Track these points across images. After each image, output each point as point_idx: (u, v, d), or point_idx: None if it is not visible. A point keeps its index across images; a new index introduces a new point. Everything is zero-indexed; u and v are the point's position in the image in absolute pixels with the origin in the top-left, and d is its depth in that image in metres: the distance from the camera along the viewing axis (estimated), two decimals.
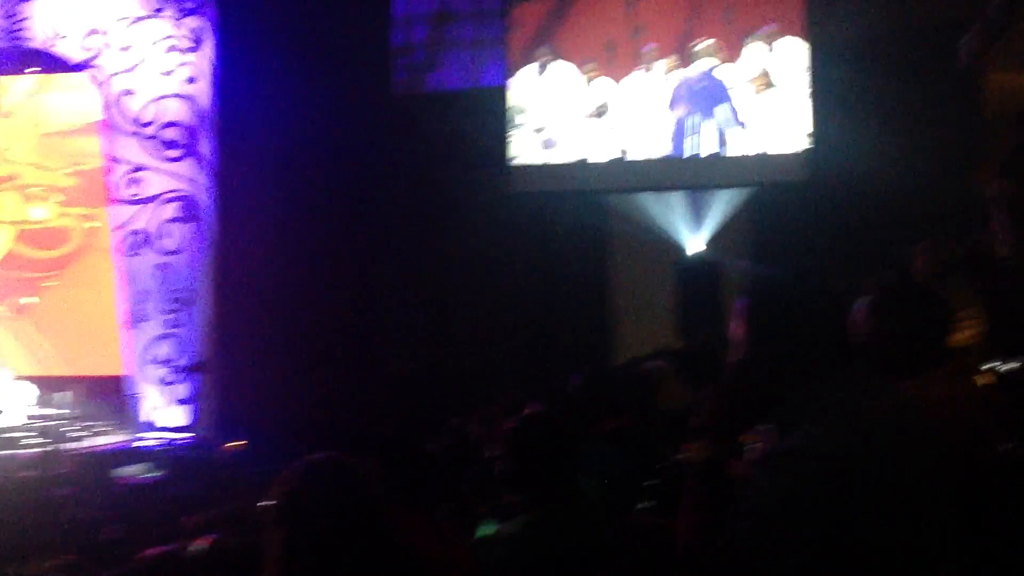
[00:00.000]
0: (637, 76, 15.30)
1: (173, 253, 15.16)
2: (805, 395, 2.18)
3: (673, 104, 15.13)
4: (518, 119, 15.64)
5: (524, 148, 15.63)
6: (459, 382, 14.71)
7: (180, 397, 15.12)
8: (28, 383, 14.86)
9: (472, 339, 15.66)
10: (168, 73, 15.24)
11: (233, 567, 4.31)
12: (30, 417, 14.25)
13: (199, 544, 4.34)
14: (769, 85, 14.72)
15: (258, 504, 6.21)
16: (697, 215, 15.53)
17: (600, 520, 3.40)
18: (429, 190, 15.94)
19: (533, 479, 3.46)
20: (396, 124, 16.12)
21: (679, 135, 15.10)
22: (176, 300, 15.14)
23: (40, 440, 13.44)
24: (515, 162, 15.56)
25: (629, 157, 15.32)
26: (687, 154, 15.09)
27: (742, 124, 14.87)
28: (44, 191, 17.30)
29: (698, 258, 15.45)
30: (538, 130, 15.57)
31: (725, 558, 2.00)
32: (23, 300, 17.24)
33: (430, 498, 3.32)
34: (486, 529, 3.85)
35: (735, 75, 14.93)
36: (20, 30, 15.79)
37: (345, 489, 2.06)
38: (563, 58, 15.57)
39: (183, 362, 15.12)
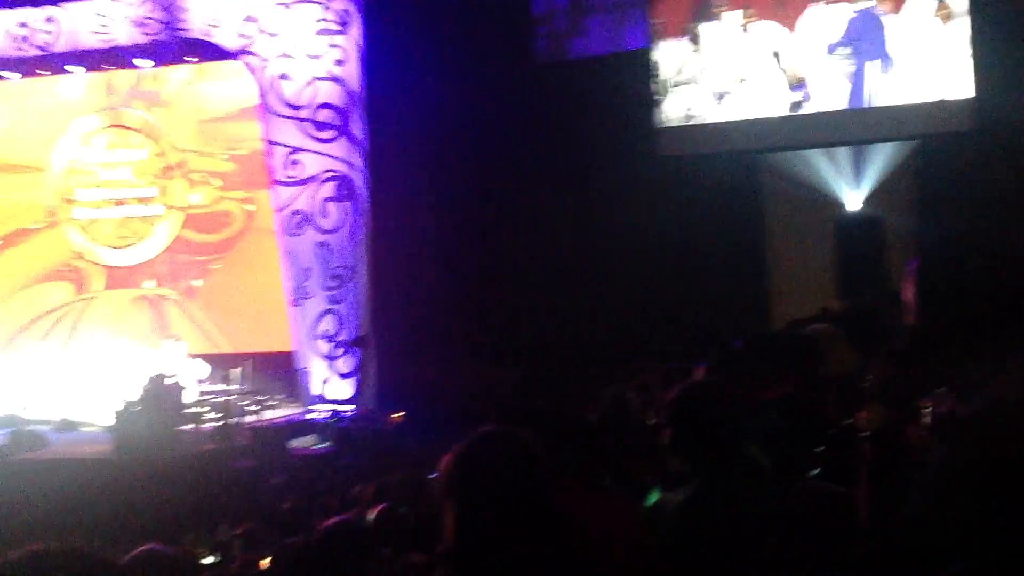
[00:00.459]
0: (803, 21, 14.62)
1: (332, 231, 15.59)
2: (983, 358, 2.08)
3: (832, 49, 14.38)
4: (666, 80, 15.32)
5: (673, 109, 15.32)
6: (611, 350, 14.66)
7: (344, 371, 15.59)
8: (201, 361, 15.58)
9: (624, 306, 15.55)
10: (319, 56, 15.61)
11: (403, 535, 4.45)
12: (205, 393, 14.94)
13: (372, 513, 4.51)
14: (950, 17, 13.70)
15: (427, 475, 6.37)
16: (856, 168, 14.90)
17: (769, 488, 3.34)
18: (577, 158, 15.88)
19: (699, 447, 3.43)
20: (541, 92, 16.08)
21: (858, 84, 14.30)
22: (336, 277, 15.58)
23: (217, 415, 14.07)
24: (663, 124, 15.28)
25: (784, 112, 14.81)
26: (855, 104, 14.38)
27: (901, 70, 14.13)
28: (205, 177, 18.06)
29: (858, 214, 14.84)
30: (689, 89, 15.21)
31: (910, 531, 1.94)
32: (192, 283, 18.09)
33: (594, 468, 3.32)
34: (653, 498, 3.84)
35: (899, 19, 14.09)
36: (177, 21, 16.40)
37: (515, 461, 2.09)
38: (728, 8, 14.94)
39: (345, 337, 15.57)
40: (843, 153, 14.96)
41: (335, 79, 15.60)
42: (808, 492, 3.13)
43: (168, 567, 2.61)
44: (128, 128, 18.32)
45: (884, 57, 14.19)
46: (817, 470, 3.57)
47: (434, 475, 2.34)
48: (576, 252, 15.93)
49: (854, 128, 14.56)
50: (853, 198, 14.92)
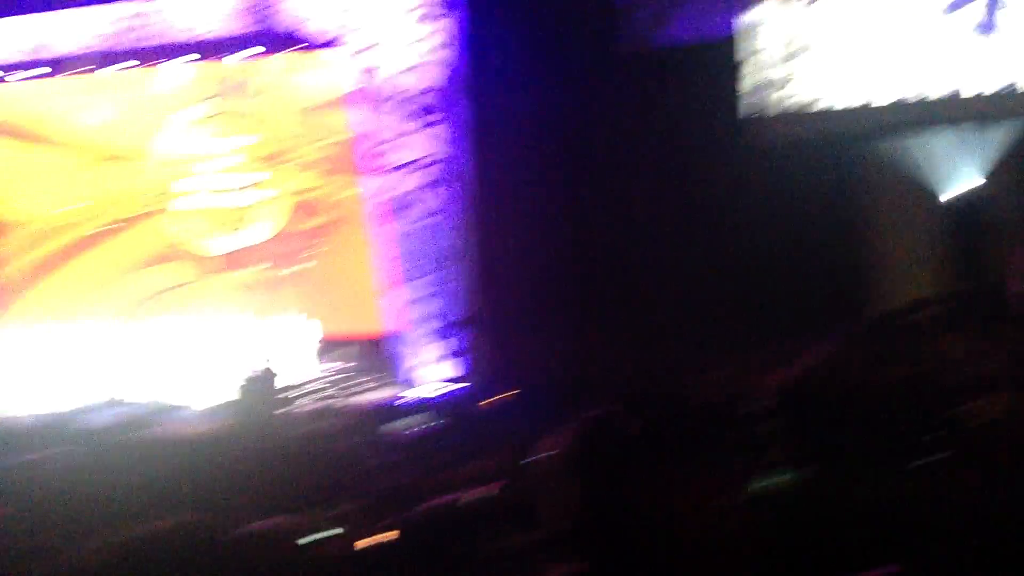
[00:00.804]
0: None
1: (432, 216, 15.73)
2: None
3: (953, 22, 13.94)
4: (755, 67, 15.07)
5: (762, 97, 15.05)
6: (713, 334, 14.49)
7: (447, 352, 15.74)
8: (308, 342, 15.92)
9: (728, 291, 15.36)
10: (418, 41, 15.72)
11: (510, 517, 4.47)
12: (312, 374, 15.26)
13: (477, 494, 4.53)
14: None
15: (533, 457, 6.38)
16: (965, 150, 14.46)
17: (880, 477, 3.27)
18: (674, 146, 15.71)
19: (808, 434, 3.37)
20: (639, 75, 15.93)
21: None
22: (438, 261, 15.72)
23: (324, 396, 14.37)
24: (754, 113, 15.03)
25: (894, 94, 14.41)
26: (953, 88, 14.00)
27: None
28: (306, 164, 18.39)
29: (966, 197, 14.40)
30: (777, 75, 14.95)
31: None
32: (295, 268, 18.47)
33: (698, 453, 3.28)
34: (760, 484, 3.78)
35: None
36: (274, 11, 16.67)
37: (624, 445, 2.08)
38: None
39: (448, 320, 15.72)
40: (948, 132, 14.51)
41: (434, 64, 15.70)
42: (920, 483, 3.05)
43: (276, 546, 2.65)
44: (229, 117, 18.74)
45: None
46: (932, 458, 3.48)
47: (538, 456, 2.34)
48: (680, 235, 15.77)
49: (964, 110, 14.14)
50: (961, 181, 14.48)
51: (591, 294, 15.81)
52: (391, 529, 5.33)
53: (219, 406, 13.51)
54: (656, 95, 15.77)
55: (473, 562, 2.53)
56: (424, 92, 15.67)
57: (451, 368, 15.71)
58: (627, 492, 1.95)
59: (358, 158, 17.79)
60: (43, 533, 9.78)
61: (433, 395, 15.04)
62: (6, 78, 19.15)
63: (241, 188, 18.60)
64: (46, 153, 19.62)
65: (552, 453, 2.22)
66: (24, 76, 19.02)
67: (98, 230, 19.35)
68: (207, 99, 18.79)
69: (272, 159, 18.42)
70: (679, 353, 13.32)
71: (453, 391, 15.27)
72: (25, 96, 19.72)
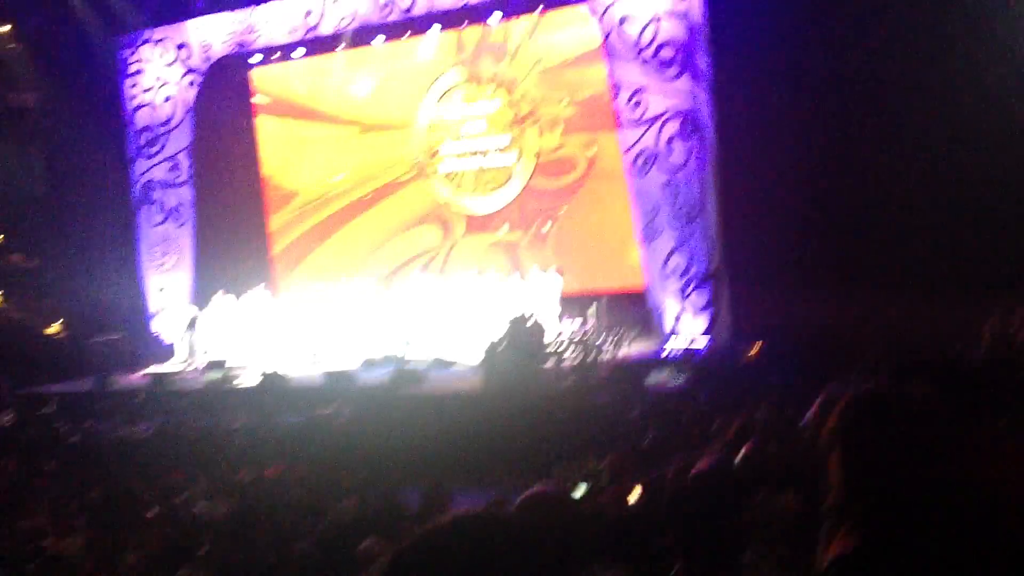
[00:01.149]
0: None
1: (678, 169, 15.61)
2: None
3: None
4: None
5: None
6: (972, 281, 13.65)
7: (697, 306, 15.66)
8: (558, 299, 16.25)
9: (983, 238, 14.38)
10: None
11: (773, 474, 4.47)
12: (564, 331, 15.58)
13: (740, 451, 4.56)
14: None
15: (793, 412, 6.31)
16: None
17: None
18: (934, 83, 14.78)
19: None
20: (892, 18, 15.08)
21: None
22: (686, 214, 15.61)
23: (575, 352, 14.64)
24: None
25: None
26: None
27: None
28: (550, 123, 18.68)
29: None
30: None
31: None
32: (542, 228, 18.86)
33: (986, 413, 3.16)
34: None
35: None
36: None
37: (908, 419, 2.03)
38: None
39: (696, 272, 15.61)
40: None
41: (679, 15, 15.50)
42: None
43: (556, 508, 2.75)
44: (481, 82, 19.27)
45: None
46: None
47: (806, 416, 2.32)
48: (936, 182, 14.91)
49: None
50: None
51: (843, 244, 15.22)
52: (658, 484, 5.44)
53: (486, 362, 14.02)
54: (914, 42, 14.90)
55: (741, 524, 2.57)
56: (668, 44, 15.50)
57: (699, 324, 15.62)
58: (902, 469, 1.93)
59: (596, 115, 17.91)
60: (319, 489, 10.49)
61: (683, 350, 15.01)
62: (275, 59, 20.58)
63: (495, 150, 19.14)
64: (316, 127, 20.99)
65: (820, 426, 2.21)
66: (291, 56, 20.38)
67: (363, 197, 20.55)
68: (459, 65, 19.42)
69: (524, 120, 18.83)
70: (938, 307, 12.65)
71: (701, 347, 15.19)
72: (294, 75, 21.15)
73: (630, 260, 16.80)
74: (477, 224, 19.53)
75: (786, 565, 2.72)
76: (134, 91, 21.02)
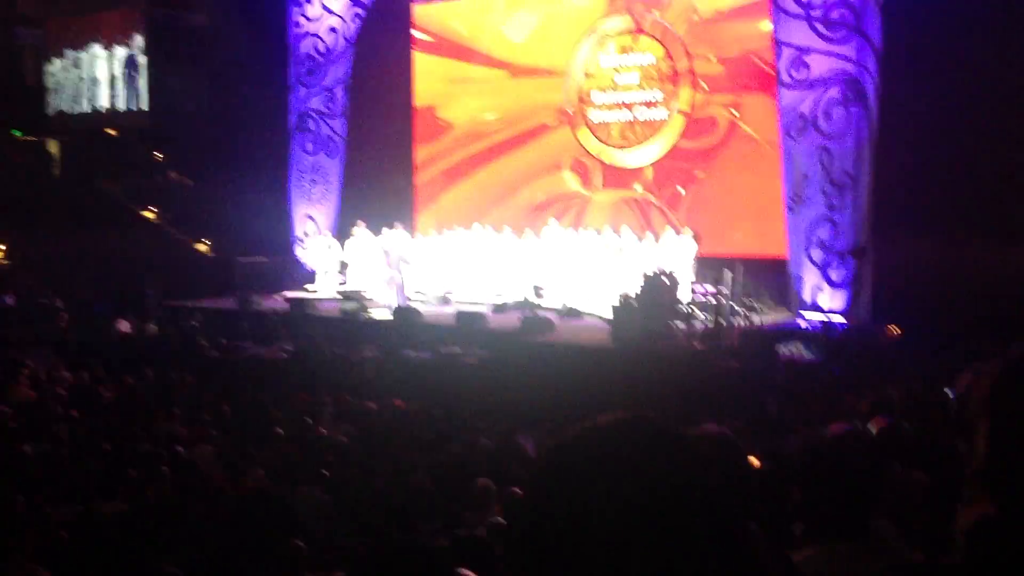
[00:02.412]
0: None
1: (835, 136, 15.07)
2: None
3: None
4: None
5: None
6: None
7: (837, 280, 15.19)
8: (697, 261, 16.00)
9: None
10: None
11: (908, 451, 4.31)
12: (698, 293, 15.35)
13: (874, 426, 4.41)
14: None
15: (931, 392, 6.09)
16: None
17: None
18: None
19: None
20: None
21: None
22: (837, 184, 15.09)
23: (708, 315, 14.42)
24: None
25: None
26: None
27: None
28: (696, 80, 18.27)
29: None
30: None
31: None
32: (679, 188, 18.57)
33: None
34: None
35: None
36: None
37: None
38: None
39: (841, 246, 15.13)
40: None
41: None
42: None
43: (730, 448, 2.73)
44: (637, 32, 18.96)
45: None
46: None
47: (951, 393, 2.21)
48: None
49: None
50: None
51: (1001, 233, 14.51)
52: (785, 452, 5.32)
53: (617, 316, 13.95)
54: None
55: (871, 492, 2.47)
56: (838, 6, 14.89)
57: (838, 297, 15.16)
58: None
59: (746, 75, 17.45)
60: (440, 425, 10.64)
61: (819, 323, 14.62)
62: None
63: (645, 104, 18.86)
64: (471, 68, 21.11)
65: (970, 391, 2.10)
66: None
67: (510, 138, 20.62)
68: (616, 14, 19.16)
69: (677, 77, 18.46)
70: None
71: (838, 322, 14.76)
72: (455, 14, 21.30)
73: (771, 227, 16.39)
74: (615, 178, 19.35)
75: (915, 537, 2.61)
76: (300, 20, 21.47)
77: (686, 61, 18.32)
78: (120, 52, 27.86)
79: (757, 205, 17.17)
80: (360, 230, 19.13)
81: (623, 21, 19.11)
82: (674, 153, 18.55)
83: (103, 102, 28.44)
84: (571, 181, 19.87)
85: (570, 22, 19.77)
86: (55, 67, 29.86)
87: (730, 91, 17.88)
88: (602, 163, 19.46)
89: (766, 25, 16.45)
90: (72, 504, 6.98)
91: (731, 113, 17.87)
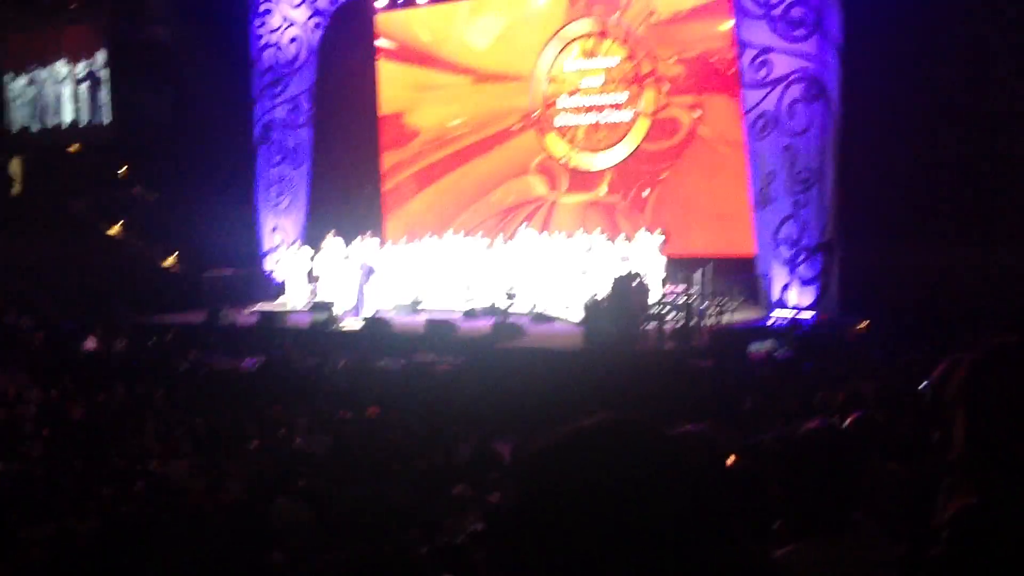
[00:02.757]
0: None
1: (799, 134, 15.20)
2: None
3: None
4: None
5: None
6: None
7: (806, 277, 15.31)
8: (665, 262, 16.06)
9: None
10: None
11: (881, 443, 4.35)
12: (667, 294, 15.41)
13: (847, 419, 4.45)
14: None
15: (902, 385, 6.14)
16: None
17: None
18: None
19: None
20: None
21: None
22: (802, 180, 15.22)
23: (678, 315, 14.47)
24: None
25: None
26: None
27: None
28: (659, 82, 18.34)
29: None
30: None
31: None
32: (643, 193, 18.65)
33: None
34: None
35: None
36: None
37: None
38: None
39: (808, 242, 15.26)
40: None
41: None
42: None
43: (711, 447, 2.73)
44: (600, 36, 19.00)
45: None
46: None
47: (923, 385, 2.23)
48: None
49: None
50: None
51: (964, 221, 14.67)
52: (761, 448, 5.35)
53: (588, 319, 13.96)
54: None
55: (848, 485, 2.49)
56: (798, 4, 15.02)
57: (806, 294, 15.29)
58: None
59: (706, 75, 17.54)
60: (415, 433, 10.58)
61: (788, 320, 14.72)
62: (400, 4, 20.80)
63: (611, 107, 18.91)
64: (435, 74, 21.07)
65: (944, 382, 2.13)
66: (417, 1, 20.57)
67: (476, 143, 20.61)
68: (581, 19, 19.18)
69: (642, 79, 18.50)
70: None
71: (807, 318, 14.87)
72: (418, 21, 21.26)
73: (736, 227, 16.51)
74: (580, 181, 19.41)
75: (895, 529, 2.64)
76: (261, 31, 21.39)
77: (648, 63, 18.39)
78: (82, 67, 27.61)
79: (721, 205, 17.26)
80: (331, 240, 19.04)
81: (586, 24, 19.16)
82: (638, 155, 18.61)
83: (66, 117, 28.18)
84: (537, 185, 19.89)
85: (532, 27, 19.81)
86: (16, 83, 29.55)
87: (691, 92, 17.96)
88: (567, 167, 19.49)
89: (725, 25, 16.59)
90: (46, 523, 6.90)
91: (693, 115, 17.95)
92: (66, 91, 28.13)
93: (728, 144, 16.96)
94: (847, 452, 2.64)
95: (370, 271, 17.32)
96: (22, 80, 29.33)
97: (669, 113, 18.23)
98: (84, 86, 27.44)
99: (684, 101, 18.06)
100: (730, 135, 16.86)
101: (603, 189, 19.10)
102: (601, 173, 19.11)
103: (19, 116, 29.41)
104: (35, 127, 29.12)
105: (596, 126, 19.04)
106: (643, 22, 18.40)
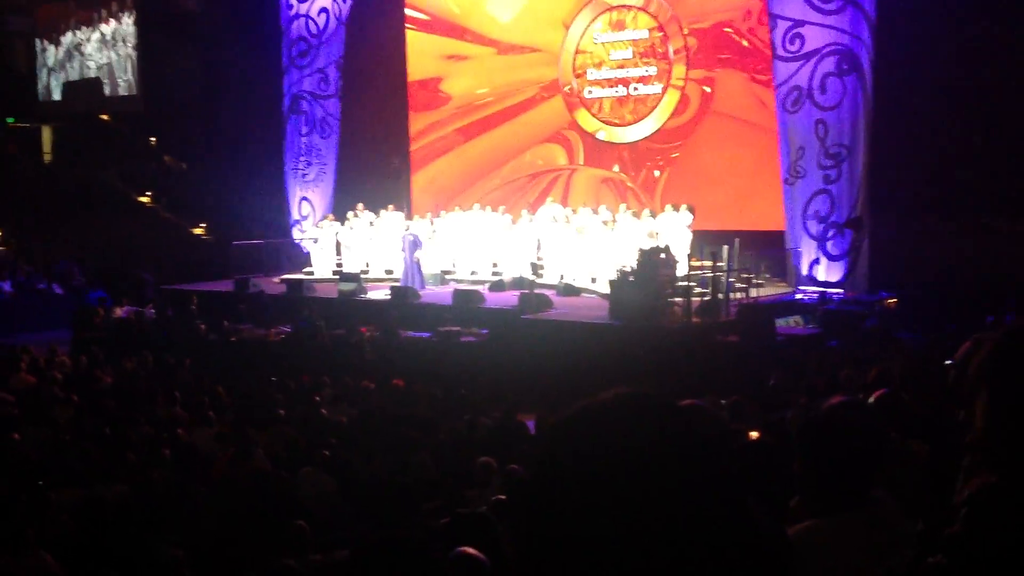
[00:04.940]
0: None
1: (831, 108, 15.04)
2: None
3: None
4: None
5: None
6: None
7: (834, 253, 15.20)
8: (688, 237, 15.97)
9: None
10: None
11: (906, 421, 4.33)
12: (694, 268, 15.34)
13: (873, 396, 4.42)
14: None
15: (930, 363, 6.10)
16: None
17: None
18: None
19: None
20: None
21: None
22: (832, 155, 15.08)
23: (705, 290, 14.42)
24: None
25: None
26: None
27: None
28: (693, 56, 18.11)
29: None
30: None
31: None
32: (655, 173, 18.56)
33: None
34: None
35: None
36: None
37: None
38: None
39: (837, 218, 15.14)
40: None
41: None
42: None
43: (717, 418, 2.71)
44: (627, 8, 18.82)
45: None
46: None
47: (949, 362, 2.22)
48: None
49: None
50: None
51: (996, 197, 14.50)
52: (784, 424, 5.34)
53: (615, 292, 13.94)
54: None
55: (869, 464, 2.48)
56: None
57: (834, 270, 15.19)
58: None
59: (720, 48, 17.37)
60: (440, 404, 10.63)
61: (815, 296, 14.63)
62: None
63: (631, 80, 18.77)
64: (463, 46, 21.00)
65: (968, 361, 2.11)
66: None
67: (499, 111, 20.57)
68: None
69: (666, 54, 18.33)
70: None
71: (835, 294, 14.78)
72: None
73: (759, 202, 16.44)
74: (595, 157, 19.41)
75: (914, 506, 2.62)
76: (292, 2, 21.37)
77: (681, 39, 18.15)
78: (112, 38, 27.76)
79: (741, 180, 17.16)
80: (359, 212, 19.08)
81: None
82: (673, 127, 18.39)
83: (96, 88, 28.36)
84: (559, 155, 19.91)
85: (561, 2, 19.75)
86: (46, 54, 29.75)
87: (703, 66, 17.81)
88: (584, 141, 19.45)
89: None
90: (74, 488, 7.00)
91: (702, 90, 17.82)
92: (95, 62, 28.29)
93: (740, 120, 16.90)
94: (870, 429, 2.63)
95: (416, 243, 17.27)
96: (51, 51, 29.53)
97: (685, 87, 18.07)
98: (114, 56, 27.59)
99: (696, 75, 17.91)
100: (744, 108, 16.78)
101: (615, 167, 19.06)
102: (616, 150, 19.04)
103: (49, 87, 29.64)
104: (66, 97, 29.36)
105: (625, 99, 18.91)
106: None
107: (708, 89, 17.75)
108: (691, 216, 16.09)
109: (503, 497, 6.03)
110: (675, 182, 18.21)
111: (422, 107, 21.72)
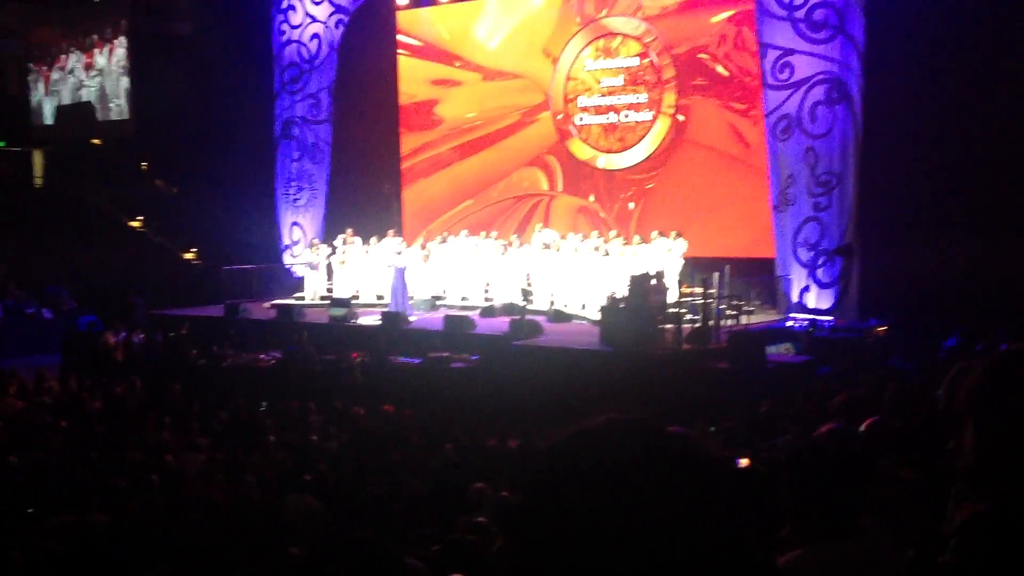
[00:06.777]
0: None
1: (821, 136, 15.15)
2: None
3: None
4: None
5: None
6: None
7: (824, 280, 15.26)
8: (681, 264, 16.00)
9: None
10: None
11: (897, 448, 4.33)
12: (685, 295, 15.37)
13: (864, 424, 4.43)
14: None
15: (920, 389, 6.12)
16: None
17: None
18: None
19: None
20: None
21: None
22: (822, 183, 15.17)
23: (696, 316, 14.43)
24: None
25: None
26: None
27: None
28: (676, 85, 18.14)
29: None
30: None
31: None
32: (629, 206, 18.63)
33: None
34: None
35: None
36: None
37: None
38: None
39: (827, 245, 15.21)
40: None
41: None
42: None
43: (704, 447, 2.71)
44: (614, 35, 18.91)
45: None
46: None
47: (938, 391, 2.23)
48: None
49: None
50: None
51: (984, 228, 14.57)
52: (775, 452, 5.36)
53: (605, 318, 13.95)
54: None
55: (859, 490, 2.49)
56: (821, 6, 14.96)
57: (824, 297, 15.24)
58: None
59: (693, 75, 17.46)
60: (431, 430, 10.58)
61: (805, 324, 14.67)
62: (425, 2, 20.89)
63: (619, 107, 18.82)
64: (454, 71, 21.10)
65: (956, 389, 2.13)
66: (436, 1, 20.65)
67: (486, 135, 20.66)
68: (603, 18, 19.11)
69: (658, 83, 18.39)
70: None
71: (826, 321, 14.81)
72: (439, 19, 21.26)
73: (749, 230, 16.50)
74: (572, 186, 19.50)
75: (904, 534, 2.63)
76: (283, 27, 21.47)
77: (671, 67, 18.21)
78: (104, 62, 27.80)
79: (748, 204, 17.20)
80: (349, 238, 19.07)
81: (594, 29, 19.09)
82: (660, 153, 18.39)
83: (87, 112, 28.36)
84: (541, 180, 20.01)
85: (534, 28, 19.88)
86: (38, 79, 29.76)
87: (677, 93, 17.88)
88: (563, 167, 19.52)
89: (716, 18, 16.58)
90: (63, 513, 6.95)
91: (677, 119, 17.89)
92: (88, 85, 28.31)
93: (713, 150, 17.12)
94: (861, 457, 2.64)
95: (401, 271, 17.27)
96: (44, 74, 29.54)
97: (675, 114, 18.10)
98: (106, 81, 27.62)
99: (669, 101, 17.99)
100: (718, 137, 16.97)
101: (591, 196, 19.15)
102: (593, 180, 19.12)
103: (40, 110, 29.63)
104: (57, 121, 29.34)
105: (612, 127, 18.95)
106: (636, 11, 18.30)
107: (682, 118, 17.80)
108: (685, 244, 16.14)
109: (482, 519, 6.03)
110: (649, 214, 18.18)
111: (417, 127, 21.78)
